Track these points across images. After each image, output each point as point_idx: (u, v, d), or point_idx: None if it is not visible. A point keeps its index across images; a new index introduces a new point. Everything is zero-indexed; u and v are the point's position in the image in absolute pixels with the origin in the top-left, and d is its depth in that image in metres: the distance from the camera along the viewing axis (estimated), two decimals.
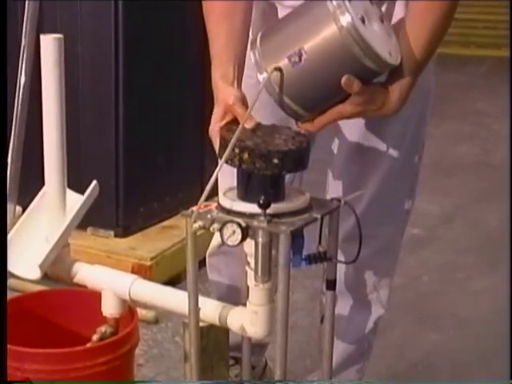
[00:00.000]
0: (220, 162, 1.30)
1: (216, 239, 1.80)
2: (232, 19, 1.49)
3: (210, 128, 1.44)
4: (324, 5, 1.32)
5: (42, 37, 1.52)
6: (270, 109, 1.42)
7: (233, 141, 1.29)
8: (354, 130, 1.65)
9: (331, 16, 1.31)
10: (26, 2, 2.70)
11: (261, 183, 1.35)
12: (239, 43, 1.49)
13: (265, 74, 1.35)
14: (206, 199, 1.31)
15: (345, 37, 1.30)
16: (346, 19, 1.29)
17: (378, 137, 1.65)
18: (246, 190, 1.37)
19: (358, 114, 1.38)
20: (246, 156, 1.32)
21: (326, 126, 1.41)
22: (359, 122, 1.63)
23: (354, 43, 1.30)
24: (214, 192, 1.40)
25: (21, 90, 2.67)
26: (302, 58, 1.32)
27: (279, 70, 1.34)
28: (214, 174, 1.27)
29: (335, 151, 1.71)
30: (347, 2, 1.31)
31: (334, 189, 1.70)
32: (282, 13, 1.60)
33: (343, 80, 1.31)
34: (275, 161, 1.32)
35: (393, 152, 1.66)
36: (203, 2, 1.52)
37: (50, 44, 1.51)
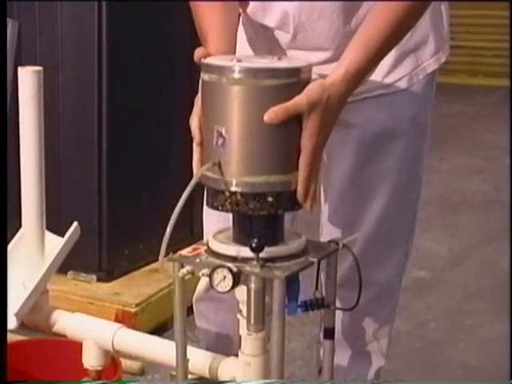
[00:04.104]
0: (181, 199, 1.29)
1: (203, 283, 1.80)
2: (224, 4, 1.52)
3: (192, 115, 1.44)
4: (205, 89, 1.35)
5: (19, 69, 1.53)
6: None
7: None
8: (345, 166, 1.66)
9: (215, 84, 1.32)
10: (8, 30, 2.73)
11: (255, 225, 1.36)
12: (232, 29, 1.53)
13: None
14: (195, 241, 1.31)
15: (238, 82, 1.30)
16: (230, 73, 1.30)
17: (371, 174, 1.66)
18: (239, 233, 1.38)
19: (316, 122, 1.33)
20: (238, 197, 1.33)
21: (318, 164, 1.39)
22: (350, 158, 1.64)
23: (246, 78, 1.30)
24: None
25: None
26: (223, 133, 1.32)
27: (217, 163, 1.33)
28: (174, 215, 1.27)
29: (328, 189, 1.72)
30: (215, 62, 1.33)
31: (328, 230, 1.71)
32: (268, 40, 1.63)
33: (265, 119, 1.30)
34: (270, 199, 1.33)
35: (388, 190, 1.67)
36: None
37: (28, 77, 1.52)
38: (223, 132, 1.31)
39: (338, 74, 1.37)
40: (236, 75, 1.30)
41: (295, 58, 1.42)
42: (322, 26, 1.52)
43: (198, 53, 1.40)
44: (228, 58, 1.34)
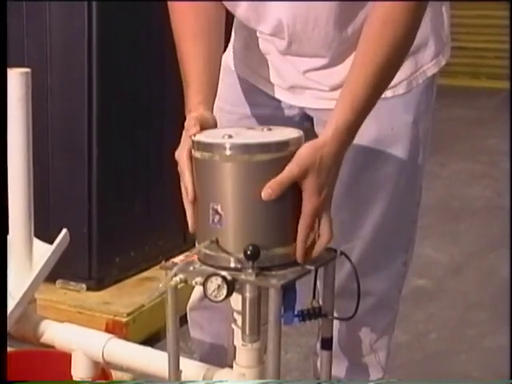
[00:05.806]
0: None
1: (197, 291, 1.80)
2: (209, 40, 1.53)
3: (178, 153, 1.44)
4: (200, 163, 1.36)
5: (7, 71, 1.53)
6: None
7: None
8: (343, 173, 1.65)
9: (207, 162, 1.33)
10: None
11: None
12: (216, 66, 1.54)
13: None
14: (187, 249, 1.31)
15: (230, 158, 1.31)
16: (222, 150, 1.31)
17: (369, 180, 1.66)
18: None
19: (312, 183, 1.35)
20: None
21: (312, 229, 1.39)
22: (347, 164, 1.64)
23: (238, 154, 1.31)
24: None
25: None
26: (219, 211, 1.33)
27: (214, 241, 1.34)
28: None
29: None
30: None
31: None
32: (262, 43, 1.64)
33: (263, 197, 1.31)
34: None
35: (386, 197, 1.67)
36: (173, 23, 1.56)
37: (16, 79, 1.52)
38: (219, 209, 1.33)
39: (328, 133, 1.38)
40: (228, 152, 1.31)
41: (285, 128, 1.43)
42: (318, 36, 1.52)
43: (190, 131, 1.40)
44: (219, 135, 1.35)
